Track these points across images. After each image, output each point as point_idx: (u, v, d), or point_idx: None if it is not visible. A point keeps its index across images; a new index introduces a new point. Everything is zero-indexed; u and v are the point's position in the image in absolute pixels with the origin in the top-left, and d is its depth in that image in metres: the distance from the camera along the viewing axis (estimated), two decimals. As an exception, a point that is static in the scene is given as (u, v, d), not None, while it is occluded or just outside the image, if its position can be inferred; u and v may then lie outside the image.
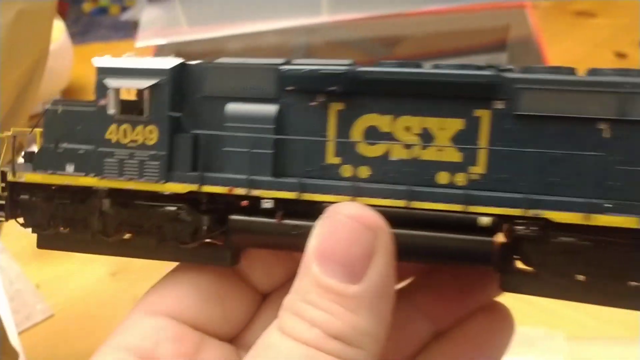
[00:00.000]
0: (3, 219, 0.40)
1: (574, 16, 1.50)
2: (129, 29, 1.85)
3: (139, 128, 0.37)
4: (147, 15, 1.18)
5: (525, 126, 0.33)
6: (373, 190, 0.34)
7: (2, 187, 0.40)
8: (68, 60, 1.41)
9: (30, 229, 0.42)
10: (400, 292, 0.43)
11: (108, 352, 0.36)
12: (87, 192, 0.39)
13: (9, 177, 0.40)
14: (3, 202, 0.40)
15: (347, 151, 0.35)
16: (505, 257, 0.34)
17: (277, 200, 0.36)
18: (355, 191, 0.34)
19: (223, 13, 1.16)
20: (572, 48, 1.36)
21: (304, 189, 0.35)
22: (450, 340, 0.41)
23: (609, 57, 1.31)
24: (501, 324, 0.41)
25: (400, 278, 0.43)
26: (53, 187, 0.40)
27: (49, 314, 0.88)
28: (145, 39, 1.05)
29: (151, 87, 0.36)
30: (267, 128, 0.36)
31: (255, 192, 0.36)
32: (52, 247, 0.42)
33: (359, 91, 0.35)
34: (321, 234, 0.31)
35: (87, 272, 0.97)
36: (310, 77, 0.35)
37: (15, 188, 0.40)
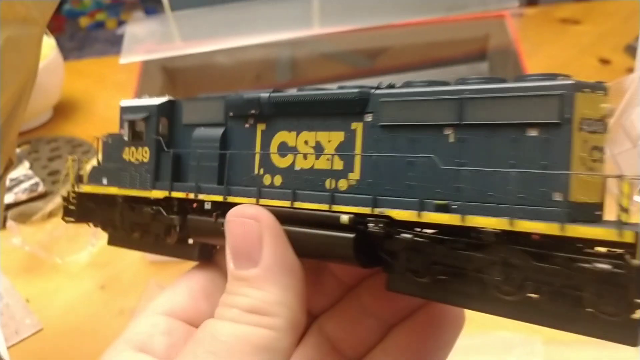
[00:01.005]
0: (74, 220, 0.53)
1: (558, 23, 1.51)
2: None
3: (140, 149, 0.48)
4: (134, 31, 1.19)
5: (388, 135, 0.36)
6: (271, 193, 0.40)
7: (73, 198, 0.53)
8: (59, 76, 1.42)
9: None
10: (352, 292, 0.45)
11: (113, 346, 0.42)
12: (114, 199, 0.51)
13: (75, 189, 0.53)
14: (73, 208, 0.54)
15: (267, 163, 0.42)
16: (368, 255, 0.37)
17: (213, 203, 0.43)
18: (259, 194, 0.41)
19: (216, 28, 1.17)
20: (557, 54, 1.38)
21: (229, 193, 0.42)
22: (398, 332, 0.43)
23: (593, 63, 1.32)
24: (445, 317, 0.42)
25: (349, 281, 0.46)
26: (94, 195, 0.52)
27: (38, 328, 0.89)
28: (128, 55, 1.07)
29: (144, 118, 0.48)
30: (214, 146, 0.44)
31: (200, 196, 0.44)
32: (117, 244, 0.53)
33: (273, 113, 0.41)
34: (227, 237, 0.38)
35: (76, 286, 0.98)
36: (241, 104, 0.43)
37: (81, 198, 0.53)
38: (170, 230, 0.47)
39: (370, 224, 0.35)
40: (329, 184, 0.38)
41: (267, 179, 0.42)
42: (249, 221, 0.37)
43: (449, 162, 0.34)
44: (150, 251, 0.50)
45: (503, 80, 0.33)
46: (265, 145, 0.42)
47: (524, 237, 0.31)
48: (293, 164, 0.40)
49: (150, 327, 0.42)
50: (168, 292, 0.45)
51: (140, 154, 0.48)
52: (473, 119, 0.33)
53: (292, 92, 0.41)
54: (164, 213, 0.46)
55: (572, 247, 0.30)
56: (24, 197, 1.15)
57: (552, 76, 0.31)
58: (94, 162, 0.54)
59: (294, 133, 0.41)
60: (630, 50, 1.29)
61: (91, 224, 0.54)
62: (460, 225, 0.32)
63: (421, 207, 0.34)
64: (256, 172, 0.42)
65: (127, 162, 0.49)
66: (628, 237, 0.27)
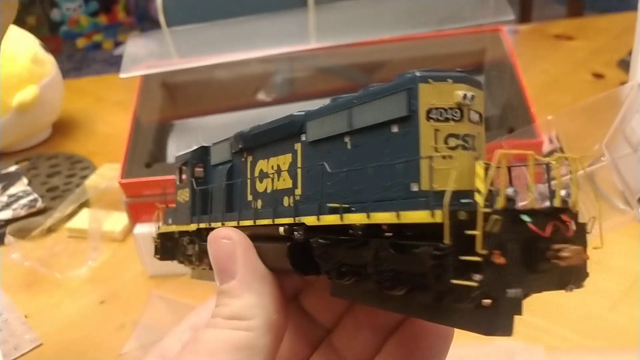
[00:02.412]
0: (159, 257, 0.60)
1: (553, 39, 1.54)
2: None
3: (184, 190, 0.54)
4: (133, 48, 1.20)
5: (314, 150, 0.39)
6: (246, 214, 0.44)
7: (158, 237, 0.60)
8: (59, 94, 1.43)
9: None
10: (350, 308, 0.46)
11: (147, 356, 0.45)
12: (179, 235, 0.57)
13: (159, 231, 0.60)
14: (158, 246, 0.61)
15: (254, 190, 0.46)
16: (307, 263, 0.38)
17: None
18: (237, 217, 0.45)
19: (214, 44, 1.19)
20: (552, 69, 1.40)
21: (226, 219, 0.47)
22: (388, 347, 0.43)
23: (587, 78, 1.34)
24: (431, 327, 0.41)
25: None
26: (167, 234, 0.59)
27: (37, 344, 0.89)
28: (128, 70, 1.07)
29: (184, 164, 0.54)
30: (223, 180, 0.49)
31: (213, 224, 0.49)
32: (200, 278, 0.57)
33: (253, 145, 0.46)
34: (210, 258, 0.42)
35: (76, 301, 0.97)
36: (234, 141, 0.48)
37: (161, 237, 0.60)
38: (201, 256, 0.52)
39: (295, 233, 0.38)
40: (286, 201, 0.41)
41: (256, 204, 0.45)
42: (223, 240, 0.42)
43: (349, 167, 0.35)
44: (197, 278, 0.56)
45: (380, 85, 0.34)
46: (253, 173, 0.46)
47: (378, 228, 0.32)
48: (266, 187, 0.44)
49: (176, 338, 0.46)
50: (198, 309, 0.48)
51: (185, 195, 0.54)
52: (357, 124, 0.35)
53: (254, 126, 0.45)
54: (197, 241, 0.52)
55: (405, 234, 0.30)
56: (22, 212, 1.15)
57: (409, 73, 0.32)
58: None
59: (265, 161, 0.45)
60: (623, 64, 1.31)
61: (175, 261, 0.59)
62: (342, 224, 0.34)
63: (320, 211, 0.36)
64: (248, 198, 0.46)
65: (179, 202, 0.56)
66: (438, 217, 0.28)
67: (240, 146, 0.47)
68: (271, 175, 0.43)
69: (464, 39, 1.12)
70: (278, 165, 0.43)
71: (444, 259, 0.27)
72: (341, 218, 0.34)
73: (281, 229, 0.39)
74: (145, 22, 4.25)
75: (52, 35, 4.25)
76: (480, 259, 0.27)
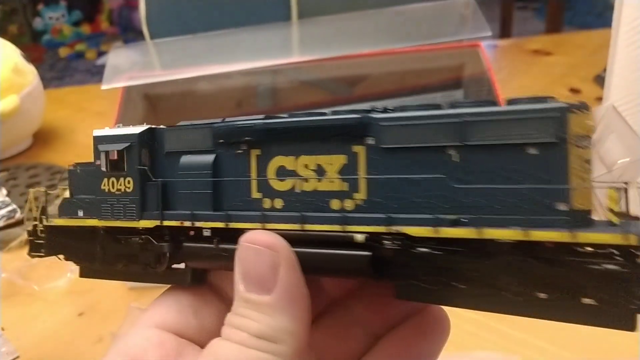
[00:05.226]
0: (43, 254, 0.52)
1: (530, 54, 1.56)
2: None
3: (121, 180, 0.48)
4: (115, 58, 1.20)
5: (391, 157, 0.39)
6: (277, 217, 0.41)
7: (41, 231, 0.52)
8: (40, 104, 1.43)
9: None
10: (338, 304, 0.47)
11: (110, 358, 0.43)
12: (92, 231, 0.50)
13: (44, 223, 0.52)
14: (42, 242, 0.53)
15: (265, 187, 0.43)
16: (380, 268, 0.39)
17: (213, 230, 0.44)
18: (264, 219, 0.42)
19: (197, 57, 1.19)
20: (529, 84, 1.42)
21: (229, 219, 0.43)
22: (386, 343, 0.44)
23: (564, 93, 1.36)
24: (432, 327, 0.44)
25: (336, 293, 0.47)
26: (70, 228, 0.51)
27: (14, 356, 0.88)
28: (110, 82, 1.08)
29: (126, 148, 0.47)
30: (206, 173, 0.45)
31: (198, 224, 0.44)
32: (91, 276, 0.52)
33: (268, 139, 0.43)
34: (238, 260, 0.39)
35: (54, 313, 0.97)
36: (233, 131, 0.44)
37: (51, 231, 0.52)
38: (160, 258, 0.47)
39: (386, 242, 0.37)
40: (334, 204, 0.40)
41: (266, 203, 0.42)
42: (265, 250, 0.38)
43: (454, 180, 0.36)
44: (136, 280, 0.50)
45: (494, 103, 0.36)
46: (262, 169, 0.43)
47: (530, 243, 0.34)
48: (294, 186, 0.42)
49: (143, 340, 0.43)
50: (158, 305, 0.46)
51: (122, 185, 0.47)
52: (476, 140, 0.36)
53: (285, 118, 0.42)
54: (154, 242, 0.47)
55: (574, 250, 0.33)
56: (1, 224, 1.14)
57: (542, 99, 0.35)
58: (65, 194, 0.53)
59: (292, 157, 0.42)
60: (599, 80, 1.34)
61: (62, 257, 0.53)
62: (472, 238, 0.35)
63: (437, 224, 0.36)
64: (253, 196, 0.43)
65: (107, 193, 0.48)
66: (633, 240, 0.31)
67: (246, 138, 0.43)
68: (304, 175, 0.41)
69: (443, 54, 1.14)
70: (319, 165, 0.41)
71: (632, 275, 0.32)
72: (478, 232, 0.35)
73: (359, 236, 0.38)
74: (129, 32, 4.25)
75: (34, 44, 4.22)
76: None
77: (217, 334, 0.45)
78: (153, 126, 0.48)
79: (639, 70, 0.87)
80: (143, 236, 0.47)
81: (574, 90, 1.36)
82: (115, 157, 0.47)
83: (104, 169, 0.48)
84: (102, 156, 0.48)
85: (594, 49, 1.53)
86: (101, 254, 0.49)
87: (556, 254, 0.33)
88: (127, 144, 0.47)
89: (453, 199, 0.36)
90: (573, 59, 1.51)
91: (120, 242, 0.48)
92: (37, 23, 4.30)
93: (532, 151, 0.34)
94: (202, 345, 0.45)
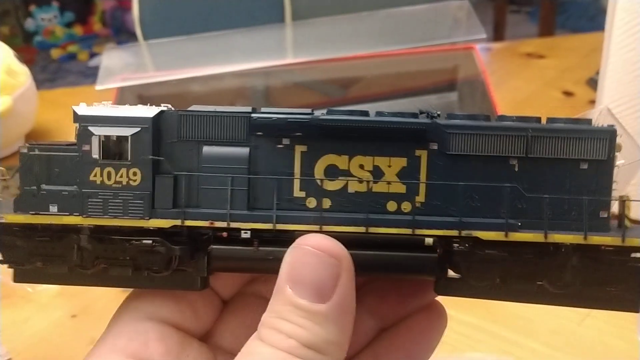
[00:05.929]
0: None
1: (524, 57, 1.57)
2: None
3: (123, 170, 0.41)
4: (109, 59, 1.20)
5: (455, 163, 0.41)
6: (336, 219, 0.40)
7: None
8: (33, 105, 1.42)
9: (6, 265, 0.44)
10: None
11: (103, 354, 0.40)
12: (65, 230, 0.42)
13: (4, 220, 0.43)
14: None
15: (310, 186, 0.41)
16: (441, 268, 0.42)
17: (252, 231, 0.41)
18: (321, 221, 0.40)
19: (190, 58, 1.19)
20: (523, 87, 1.43)
21: (278, 220, 0.40)
22: (391, 335, 0.47)
23: (557, 95, 1.37)
24: (435, 321, 0.47)
25: None
26: (32, 226, 0.42)
27: (6, 358, 0.87)
28: (104, 82, 1.07)
29: (134, 135, 0.40)
30: (241, 168, 0.41)
31: (234, 225, 0.40)
32: (29, 280, 0.46)
33: (319, 135, 0.41)
34: (291, 262, 0.37)
35: (47, 315, 0.96)
36: (278, 124, 0.41)
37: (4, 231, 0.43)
38: (169, 262, 0.41)
39: (456, 244, 0.40)
40: (391, 206, 0.41)
41: (310, 202, 0.41)
42: (328, 257, 0.37)
43: (513, 188, 0.41)
44: (128, 286, 0.45)
45: (554, 121, 0.41)
46: (307, 167, 0.41)
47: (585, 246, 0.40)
48: (345, 186, 0.41)
49: (141, 334, 0.41)
50: (148, 295, 0.44)
51: (124, 177, 0.40)
52: (538, 153, 0.41)
53: (343, 116, 0.41)
54: (169, 244, 0.41)
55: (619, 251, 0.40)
56: (-7, 225, 1.13)
57: (590, 121, 0.41)
58: (12, 183, 0.45)
59: (345, 156, 0.41)
60: (592, 83, 1.34)
61: None
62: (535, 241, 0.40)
63: (508, 228, 0.40)
64: (295, 194, 0.41)
65: (100, 185, 0.41)
66: None
67: (296, 133, 0.40)
68: (360, 175, 0.41)
69: (438, 56, 1.14)
70: (376, 166, 0.41)
71: None
72: (545, 237, 0.39)
73: (430, 240, 0.40)
74: (122, 34, 4.23)
75: (26, 45, 4.20)
76: None
77: (210, 325, 0.47)
78: (164, 108, 0.42)
79: (633, 73, 0.87)
80: (155, 238, 0.41)
81: (567, 93, 1.37)
82: (117, 143, 0.41)
83: (96, 156, 0.41)
84: (95, 141, 0.41)
85: (586, 52, 1.54)
86: (79, 256, 0.42)
87: (607, 255, 0.39)
88: (136, 129, 0.40)
89: (515, 205, 0.40)
90: (566, 62, 1.52)
91: (104, 243, 0.42)
92: (29, 24, 4.28)
93: (584, 166, 0.41)
94: (195, 335, 0.46)
